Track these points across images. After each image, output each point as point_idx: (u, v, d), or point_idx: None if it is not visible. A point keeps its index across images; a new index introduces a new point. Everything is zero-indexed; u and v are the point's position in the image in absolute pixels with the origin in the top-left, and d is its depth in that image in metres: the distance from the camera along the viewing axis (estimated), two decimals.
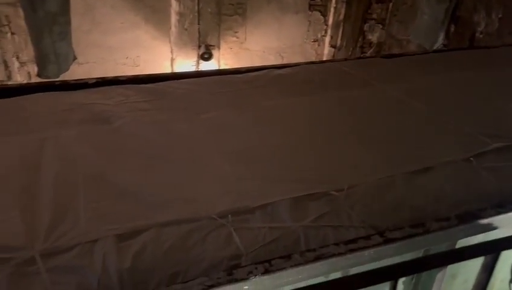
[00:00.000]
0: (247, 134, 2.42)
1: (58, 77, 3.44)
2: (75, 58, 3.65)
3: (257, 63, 5.57)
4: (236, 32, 5.48)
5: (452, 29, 5.25)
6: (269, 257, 1.56)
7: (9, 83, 4.62)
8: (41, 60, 3.37)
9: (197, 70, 5.22)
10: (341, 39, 6.16)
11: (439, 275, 2.10)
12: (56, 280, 1.43)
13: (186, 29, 5.07)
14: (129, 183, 1.94)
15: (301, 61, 4.48)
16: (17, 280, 1.43)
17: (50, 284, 1.41)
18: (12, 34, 4.53)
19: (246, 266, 1.51)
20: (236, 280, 1.42)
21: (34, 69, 4.83)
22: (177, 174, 2.05)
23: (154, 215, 1.74)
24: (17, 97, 2.62)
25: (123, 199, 1.83)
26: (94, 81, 2.91)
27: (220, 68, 5.39)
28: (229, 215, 1.76)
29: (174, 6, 4.96)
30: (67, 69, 3.53)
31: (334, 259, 1.55)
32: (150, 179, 1.99)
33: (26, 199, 1.78)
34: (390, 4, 6.27)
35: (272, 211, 1.82)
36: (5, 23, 4.46)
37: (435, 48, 4.70)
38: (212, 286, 1.38)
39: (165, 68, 5.26)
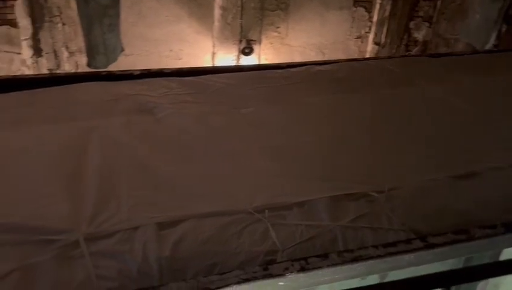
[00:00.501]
0: (286, 130, 2.41)
1: (106, 67, 3.56)
2: (122, 49, 3.76)
3: (297, 58, 5.53)
4: (278, 27, 5.46)
5: (504, 29, 4.99)
6: (305, 254, 1.56)
7: (58, 71, 4.82)
8: (90, 51, 3.50)
9: (238, 65, 5.25)
10: (385, 36, 6.01)
11: (481, 284, 2.03)
12: (98, 264, 1.48)
13: (228, 24, 5.10)
14: (170, 174, 1.98)
15: (343, 58, 4.41)
16: (62, 262, 1.49)
17: (92, 268, 1.46)
18: (63, 24, 4.72)
19: (282, 262, 1.50)
20: (272, 276, 1.42)
21: (81, 59, 5.02)
22: (215, 167, 2.07)
23: (193, 206, 1.77)
24: (66, 86, 2.72)
25: (164, 189, 1.88)
26: (139, 72, 2.99)
27: (260, 63, 5.39)
28: (266, 211, 1.76)
29: (218, 0, 5.00)
30: (115, 60, 3.65)
31: (372, 261, 1.52)
32: (190, 170, 2.02)
33: (72, 184, 1.85)
34: (439, 2, 6.05)
35: (309, 209, 1.80)
36: (57, 14, 4.65)
37: (485, 48, 4.50)
38: (248, 279, 1.39)
39: (206, 62, 5.31)
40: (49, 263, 1.47)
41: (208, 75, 3.03)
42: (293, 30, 5.56)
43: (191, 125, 2.39)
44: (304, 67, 3.21)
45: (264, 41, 5.50)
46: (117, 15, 3.45)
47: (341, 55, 5.72)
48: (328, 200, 1.84)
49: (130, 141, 2.21)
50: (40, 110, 2.44)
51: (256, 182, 1.95)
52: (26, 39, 4.63)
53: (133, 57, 4.50)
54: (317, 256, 1.50)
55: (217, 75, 3.05)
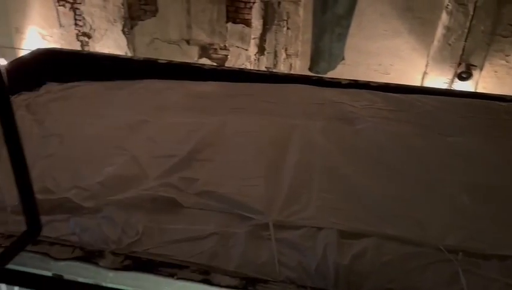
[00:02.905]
0: (497, 169, 2.13)
1: (325, 74, 3.74)
2: (343, 58, 3.89)
3: None
4: (507, 55, 4.81)
5: None
6: None
7: (274, 70, 5.33)
8: (316, 57, 3.72)
9: (451, 89, 4.84)
10: None
11: None
12: (282, 250, 1.59)
13: (449, 45, 4.74)
14: (360, 185, 1.97)
15: None
16: (252, 238, 1.65)
17: (277, 252, 1.57)
18: (288, 29, 5.18)
19: None
20: None
21: (295, 61, 5.41)
22: (409, 191, 1.97)
23: (379, 224, 1.73)
24: (281, 84, 2.98)
25: (352, 199, 1.89)
26: (347, 82, 3.06)
27: (478, 91, 4.86)
28: (460, 253, 1.59)
29: (444, 19, 4.70)
30: (334, 68, 3.80)
31: None
32: (381, 187, 1.97)
33: (272, 173, 2.03)
34: None
35: None
36: (285, 18, 5.14)
37: None
38: None
39: (415, 81, 5.07)
40: (242, 236, 1.65)
41: (415, 95, 2.90)
42: None
43: (389, 143, 2.33)
44: None
45: (487, 68, 4.92)
46: (348, 25, 3.59)
47: None
48: None
49: (326, 145, 2.29)
50: (256, 102, 2.74)
51: (452, 219, 1.79)
52: (254, 38, 5.27)
53: (343, 67, 4.61)
54: None
55: (426, 96, 2.89)
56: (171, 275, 1.41)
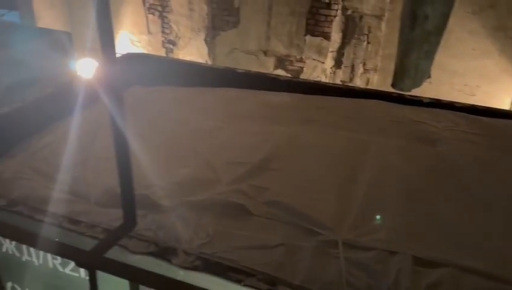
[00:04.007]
0: None
1: (409, 91, 3.59)
2: (429, 76, 3.72)
3: None
4: None
5: None
6: None
7: (350, 84, 5.23)
8: (400, 73, 3.59)
9: None
10: None
11: None
12: (350, 271, 1.54)
13: None
14: (439, 210, 1.86)
15: None
16: (319, 254, 1.62)
17: (345, 272, 1.52)
18: (368, 43, 5.08)
19: None
20: None
21: (373, 76, 5.28)
22: (492, 221, 1.82)
23: (458, 254, 1.61)
24: (357, 99, 2.90)
25: (429, 224, 1.78)
26: (428, 101, 2.91)
27: None
28: None
29: None
30: (419, 86, 3.64)
31: None
32: (463, 215, 1.84)
33: (343, 189, 1.98)
34: None
35: None
36: (366, 33, 5.05)
37: None
38: None
39: (504, 104, 4.70)
40: (309, 250, 1.62)
41: (505, 120, 2.69)
42: None
43: (474, 168, 2.18)
44: None
45: None
46: (437, 43, 3.44)
47: None
48: None
49: (403, 165, 2.19)
50: (330, 116, 2.69)
51: None
52: (332, 51, 5.23)
53: (424, 84, 4.41)
54: None
55: None
56: (239, 281, 1.42)
